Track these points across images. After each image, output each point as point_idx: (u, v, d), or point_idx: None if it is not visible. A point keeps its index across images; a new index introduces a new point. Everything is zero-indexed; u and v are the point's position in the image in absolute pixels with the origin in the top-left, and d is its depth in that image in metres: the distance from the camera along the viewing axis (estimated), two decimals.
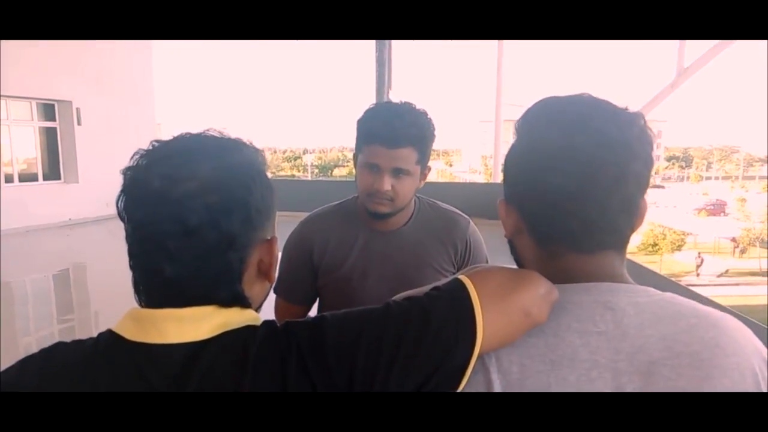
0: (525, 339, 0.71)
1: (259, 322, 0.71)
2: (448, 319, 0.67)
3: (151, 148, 0.71)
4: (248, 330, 0.69)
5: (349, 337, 0.67)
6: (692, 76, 8.54)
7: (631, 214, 0.74)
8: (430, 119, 1.46)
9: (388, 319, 0.68)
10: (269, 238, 0.75)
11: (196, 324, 0.67)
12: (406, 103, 1.45)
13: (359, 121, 1.47)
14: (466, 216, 1.63)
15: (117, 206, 0.70)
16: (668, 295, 0.74)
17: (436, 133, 1.48)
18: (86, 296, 7.13)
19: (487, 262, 1.65)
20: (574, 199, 0.72)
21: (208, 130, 0.75)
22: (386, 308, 0.70)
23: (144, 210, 0.68)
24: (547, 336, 0.71)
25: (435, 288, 0.72)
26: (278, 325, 0.71)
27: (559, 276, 0.74)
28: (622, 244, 0.76)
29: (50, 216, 10.38)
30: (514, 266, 0.83)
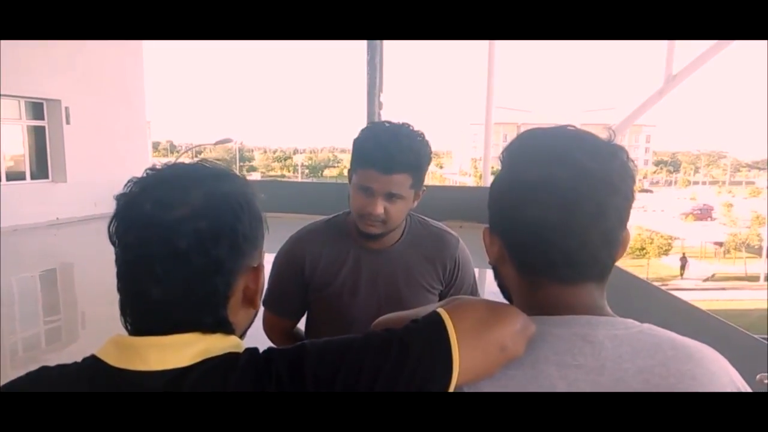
0: (504, 371, 0.72)
1: (241, 349, 0.73)
2: (425, 353, 0.69)
3: (144, 175, 0.74)
4: (229, 357, 0.70)
5: (328, 369, 0.68)
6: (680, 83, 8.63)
7: (611, 246, 0.75)
8: (427, 143, 1.46)
9: (367, 352, 0.70)
10: (256, 265, 0.77)
11: (178, 351, 0.69)
12: (403, 125, 1.45)
13: (355, 141, 1.47)
14: (455, 234, 1.65)
15: (108, 230, 0.72)
16: (646, 326, 0.76)
17: (432, 155, 1.49)
18: (73, 296, 7.09)
19: (474, 279, 1.67)
20: (554, 231, 0.73)
21: (201, 160, 0.78)
22: (365, 340, 0.72)
23: (134, 233, 0.70)
24: (526, 368, 0.73)
25: (414, 321, 0.74)
26: (260, 352, 0.72)
27: (540, 306, 0.76)
28: (602, 275, 0.77)
29: (38, 215, 10.30)
30: None
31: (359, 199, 1.45)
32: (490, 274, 0.87)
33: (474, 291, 1.66)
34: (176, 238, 0.68)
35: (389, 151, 1.39)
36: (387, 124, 1.46)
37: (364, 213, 1.45)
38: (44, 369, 0.74)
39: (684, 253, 37.60)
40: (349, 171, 1.52)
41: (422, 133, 1.46)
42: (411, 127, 1.45)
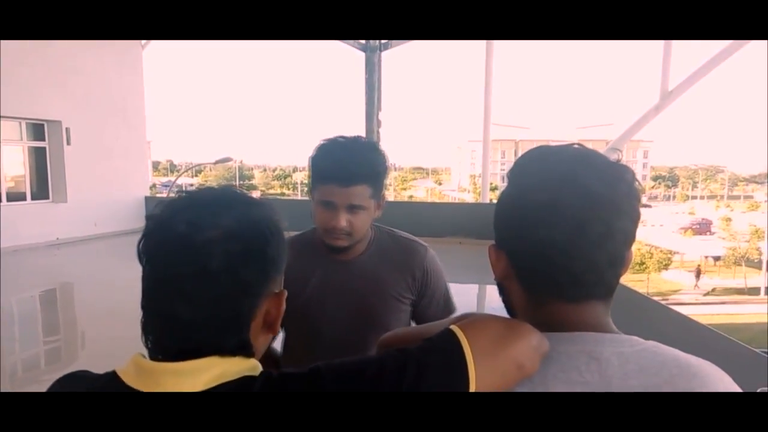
0: (513, 389, 0.72)
1: (257, 372, 0.73)
2: (441, 374, 0.69)
3: (176, 197, 0.76)
4: (244, 381, 0.71)
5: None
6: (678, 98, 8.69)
7: (617, 266, 0.76)
8: (382, 153, 1.49)
9: (383, 374, 0.70)
10: (278, 291, 0.79)
11: (194, 376, 0.69)
12: (357, 138, 1.49)
13: (312, 159, 1.49)
14: (424, 244, 1.66)
15: (137, 249, 0.73)
16: (651, 344, 0.76)
17: (389, 165, 1.51)
18: (73, 316, 7.05)
19: (446, 288, 1.67)
20: (560, 253, 0.74)
21: (230, 185, 0.80)
22: (380, 362, 0.72)
23: (165, 252, 0.71)
24: (535, 385, 0.73)
25: (428, 340, 0.74)
26: (275, 375, 0.73)
27: (546, 323, 0.77)
28: (607, 293, 0.78)
29: (38, 235, 10.28)
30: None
31: (322, 214, 1.48)
32: (490, 290, 0.87)
33: (447, 300, 1.66)
34: (207, 258, 0.69)
35: (346, 164, 1.42)
36: (341, 139, 1.49)
37: (328, 227, 1.48)
38: (79, 373, 0.77)
39: (699, 266, 38.23)
40: (310, 189, 1.54)
41: (377, 145, 1.49)
42: (365, 140, 1.49)
